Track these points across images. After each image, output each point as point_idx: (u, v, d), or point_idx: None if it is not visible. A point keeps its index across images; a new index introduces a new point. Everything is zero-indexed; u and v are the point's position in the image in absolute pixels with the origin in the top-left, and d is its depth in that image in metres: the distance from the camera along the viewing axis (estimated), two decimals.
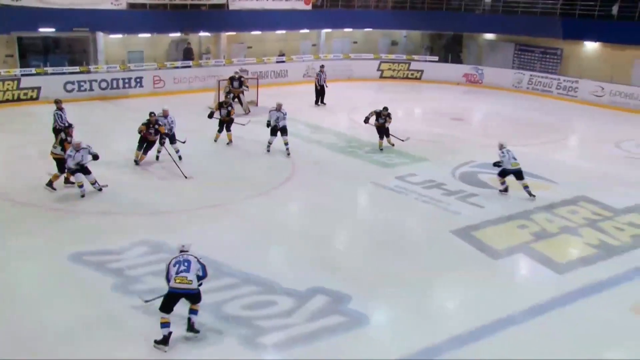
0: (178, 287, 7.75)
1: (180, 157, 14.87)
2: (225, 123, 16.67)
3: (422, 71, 28.82)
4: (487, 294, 9.32)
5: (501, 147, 13.57)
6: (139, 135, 14.50)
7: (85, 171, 12.55)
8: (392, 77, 28.74)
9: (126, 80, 22.63)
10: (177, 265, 7.84)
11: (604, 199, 13.27)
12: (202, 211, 12.17)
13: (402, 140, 16.70)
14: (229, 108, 16.75)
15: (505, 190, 13.59)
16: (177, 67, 24.15)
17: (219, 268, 9.61)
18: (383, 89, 26.64)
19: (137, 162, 14.70)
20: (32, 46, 23.06)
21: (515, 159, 13.32)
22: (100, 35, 23.01)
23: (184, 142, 15.09)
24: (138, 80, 22.83)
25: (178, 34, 25.09)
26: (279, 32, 27.77)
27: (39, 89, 20.93)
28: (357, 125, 18.48)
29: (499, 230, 11.61)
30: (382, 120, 16.39)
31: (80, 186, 12.46)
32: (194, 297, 7.90)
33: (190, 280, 7.76)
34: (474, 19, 28.74)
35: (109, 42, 23.54)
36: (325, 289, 9.10)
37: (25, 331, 8.00)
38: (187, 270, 7.79)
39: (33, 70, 21.39)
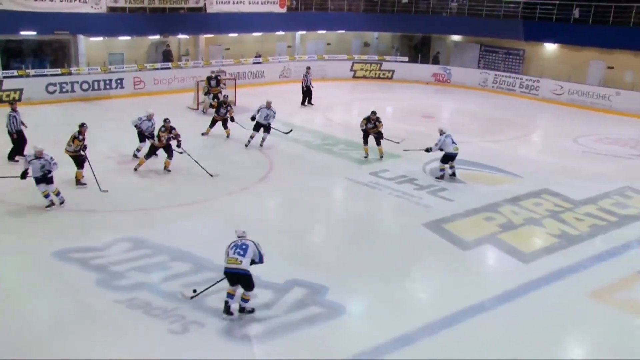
0: (228, 267, 8.03)
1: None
2: (222, 121, 17.00)
3: (393, 71, 28.91)
4: (458, 283, 9.39)
5: (441, 132, 14.04)
6: (122, 135, 14.18)
7: (48, 180, 11.41)
8: (364, 77, 28.79)
9: (107, 82, 22.29)
10: (234, 249, 8.09)
11: (565, 192, 13.46)
12: (182, 208, 12.04)
13: (397, 143, 16.00)
14: (228, 108, 17.07)
15: (442, 177, 14.01)
16: (157, 69, 23.86)
17: (200, 263, 9.54)
18: (356, 89, 26.68)
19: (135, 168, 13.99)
20: (14, 49, 22.57)
21: (455, 143, 13.84)
22: (81, 38, 22.66)
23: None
24: (119, 81, 22.51)
25: (157, 37, 24.82)
26: (255, 34, 27.63)
27: (21, 90, 20.47)
28: (332, 123, 18.48)
29: (468, 223, 11.69)
30: (371, 125, 15.26)
31: (46, 196, 11.48)
32: (246, 279, 8.03)
33: (240, 261, 7.95)
34: (441, 22, 28.91)
35: (90, 44, 23.19)
36: (303, 281, 9.08)
37: (9, 326, 7.85)
38: (243, 255, 7.99)
39: (15, 73, 20.93)
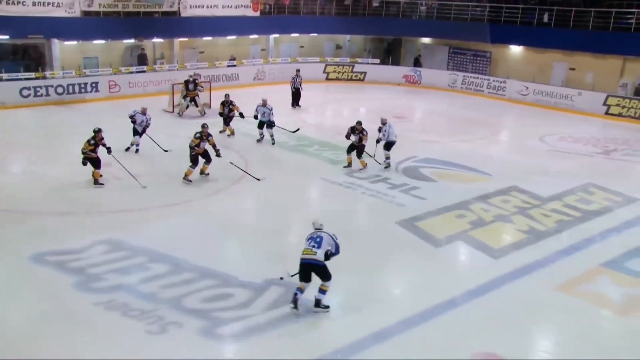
0: (304, 258, 8.21)
1: (137, 150, 15.21)
2: (228, 118, 17.61)
3: (365, 73, 29.00)
4: (431, 279, 9.45)
5: (384, 122, 14.80)
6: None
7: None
8: (337, 79, 28.81)
9: (82, 85, 21.89)
10: (310, 241, 8.30)
11: (532, 189, 13.66)
12: (160, 209, 11.91)
13: (380, 164, 15.02)
14: (230, 106, 17.44)
15: (389, 165, 14.76)
16: (132, 72, 23.51)
17: (178, 264, 9.44)
18: (329, 90, 26.71)
19: (188, 180, 13.43)
20: None
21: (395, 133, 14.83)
22: (55, 42, 22.22)
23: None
24: (94, 85, 22.13)
25: (132, 40, 24.47)
26: (229, 37, 27.47)
27: None
28: (306, 125, 18.46)
29: (440, 220, 11.78)
30: (356, 138, 14.52)
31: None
32: (321, 270, 8.19)
33: (315, 252, 8.13)
34: (411, 25, 29.10)
35: (64, 48, 22.75)
36: (280, 280, 9.04)
37: None
38: (319, 246, 8.17)
39: None
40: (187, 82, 20.12)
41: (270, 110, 16.54)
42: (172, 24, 24.98)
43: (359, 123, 14.67)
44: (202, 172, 13.69)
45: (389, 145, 14.83)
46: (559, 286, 9.31)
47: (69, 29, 22.10)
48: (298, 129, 17.25)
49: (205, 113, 20.15)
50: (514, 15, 25.73)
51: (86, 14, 22.54)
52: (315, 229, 8.53)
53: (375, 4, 29.60)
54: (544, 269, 9.95)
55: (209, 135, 13.38)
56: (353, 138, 14.67)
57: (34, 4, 21.17)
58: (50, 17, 21.53)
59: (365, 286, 9.15)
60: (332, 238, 8.36)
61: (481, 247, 10.64)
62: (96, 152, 13.02)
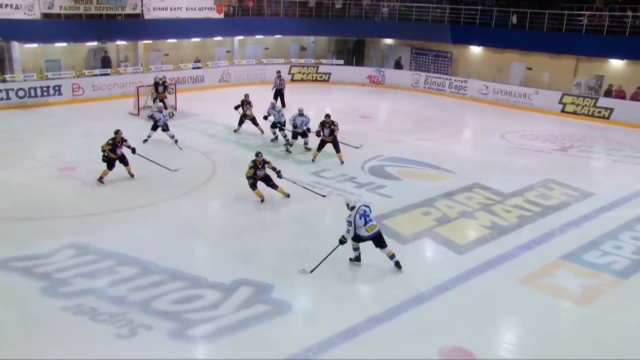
0: (369, 234, 9.29)
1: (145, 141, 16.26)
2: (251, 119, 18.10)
3: (329, 74, 29.09)
4: (398, 276, 9.51)
5: (301, 113, 16.08)
6: (62, 142, 13.70)
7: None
8: (302, 80, 28.82)
9: (44, 89, 21.36)
10: (363, 218, 9.24)
11: (494, 185, 13.92)
12: (126, 213, 11.73)
13: (356, 148, 15.94)
14: (247, 105, 17.98)
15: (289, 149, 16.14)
16: (95, 75, 23.04)
17: (147, 266, 9.32)
18: (294, 91, 26.61)
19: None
20: None
21: (306, 123, 15.96)
22: (14, 45, 21.64)
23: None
24: (57, 88, 21.61)
25: (95, 43, 23.96)
26: (193, 39, 27.19)
27: None
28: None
29: (406, 218, 11.90)
30: (327, 132, 14.88)
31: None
32: (379, 238, 9.39)
33: (376, 225, 9.35)
34: (373, 26, 29.32)
35: (24, 51, 22.17)
36: (249, 280, 9.02)
37: None
38: (372, 220, 9.33)
39: None
40: (156, 84, 19.83)
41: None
42: (136, 26, 24.56)
43: (328, 116, 15.03)
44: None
45: (296, 135, 16.08)
46: (521, 280, 9.50)
47: (29, 31, 21.51)
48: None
49: (174, 115, 19.90)
50: (473, 17, 26.22)
51: (47, 16, 21.99)
52: (351, 207, 9.37)
53: (338, 6, 29.73)
54: (506, 263, 10.13)
55: (265, 162, 12.37)
56: (325, 133, 14.88)
57: None
58: (9, 19, 20.92)
59: (332, 285, 9.18)
60: (369, 208, 9.51)
61: (446, 243, 10.79)
62: (116, 153, 13.11)
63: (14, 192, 12.55)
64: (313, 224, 11.73)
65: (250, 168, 12.30)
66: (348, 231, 9.30)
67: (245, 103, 18.12)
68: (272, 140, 17.44)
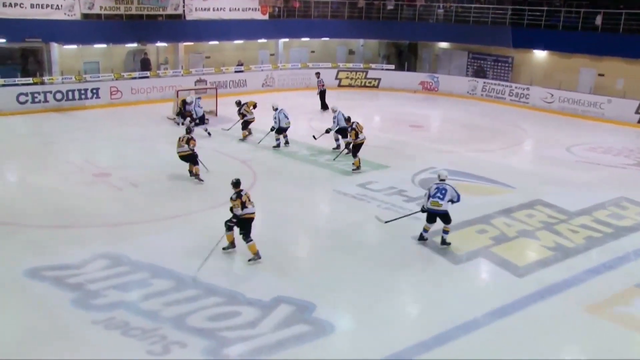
0: (431, 208, 10.81)
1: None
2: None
3: (379, 79, 29.06)
4: (449, 299, 9.35)
5: (275, 108, 17.28)
6: (96, 147, 14.02)
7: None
8: (350, 86, 28.89)
9: (82, 92, 22.09)
10: (436, 191, 10.77)
11: (559, 202, 13.55)
12: (161, 222, 11.92)
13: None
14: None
15: (278, 146, 17.44)
16: (134, 78, 23.71)
17: (182, 280, 9.43)
18: (341, 97, 26.64)
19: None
20: None
21: (287, 118, 17.35)
22: (54, 46, 22.45)
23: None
24: (95, 91, 22.33)
25: (135, 45, 24.67)
26: (236, 41, 27.62)
27: None
28: (317, 134, 18.42)
29: (460, 235, 11.68)
30: (356, 128, 15.44)
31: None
32: (444, 216, 10.86)
33: (441, 204, 10.72)
34: (427, 28, 29.17)
35: (63, 52, 23.00)
36: (289, 297, 9.01)
37: None
38: (442, 198, 10.69)
39: None
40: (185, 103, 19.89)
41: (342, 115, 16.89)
42: (177, 28, 25.16)
43: (349, 119, 15.85)
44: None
45: (280, 130, 17.37)
46: (589, 308, 9.19)
47: (69, 32, 22.34)
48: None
49: (208, 121, 20.15)
50: (537, 18, 25.70)
51: (86, 16, 22.78)
52: (440, 180, 10.83)
53: (390, 7, 29.70)
54: (572, 288, 9.82)
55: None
56: (360, 136, 15.48)
57: (32, 6, 21.42)
58: (48, 20, 21.77)
59: (378, 305, 9.08)
60: (454, 190, 10.78)
61: (504, 264, 10.54)
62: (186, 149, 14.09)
63: (47, 198, 12.94)
64: (358, 238, 11.66)
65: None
66: (425, 200, 10.94)
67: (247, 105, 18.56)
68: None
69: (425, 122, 23.11)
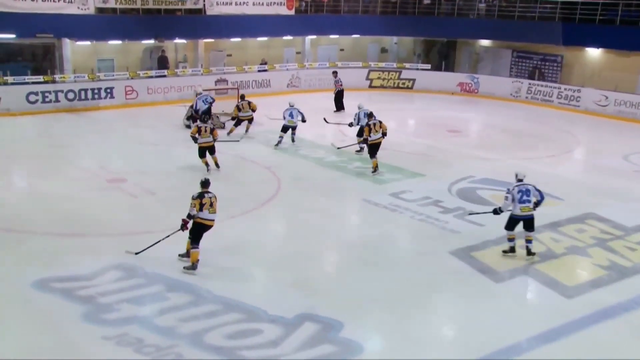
0: (521, 215, 10.87)
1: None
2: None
3: (414, 80, 29.03)
4: (489, 320, 9.28)
5: (291, 104, 18.23)
6: (110, 150, 14.26)
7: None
8: (381, 87, 28.94)
9: (95, 91, 22.48)
10: (521, 194, 10.79)
11: (614, 217, 13.35)
12: (178, 232, 12.00)
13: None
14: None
15: (279, 144, 18.00)
16: (151, 77, 24.05)
17: (199, 294, 9.52)
18: (372, 99, 26.63)
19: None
20: None
21: (292, 117, 18.06)
22: (66, 42, 22.89)
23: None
24: (109, 90, 22.70)
25: (151, 41, 25.01)
26: (260, 38, 27.83)
27: None
28: (347, 139, 18.50)
29: (501, 251, 11.60)
30: (371, 126, 15.79)
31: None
32: (530, 222, 10.94)
33: (531, 208, 10.86)
34: (468, 25, 29.13)
35: (76, 49, 23.42)
36: (314, 315, 9.03)
37: None
38: (529, 200, 10.80)
39: None
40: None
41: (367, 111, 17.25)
42: (197, 24, 25.46)
43: (370, 115, 16.31)
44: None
45: (285, 128, 18.06)
46: None
47: (82, 27, 22.73)
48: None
49: (224, 126, 20.31)
50: (592, 13, 25.39)
51: (101, 11, 23.20)
52: (519, 180, 10.90)
53: (426, 1, 29.69)
54: (629, 313, 9.66)
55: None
56: (368, 126, 15.89)
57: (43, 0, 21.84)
58: (61, 14, 22.21)
59: (411, 326, 9.05)
60: (535, 188, 10.89)
61: (551, 283, 10.42)
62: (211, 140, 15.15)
63: (57, 205, 13.16)
64: (390, 252, 11.64)
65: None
66: (505, 204, 10.93)
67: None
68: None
69: (464, 126, 23.00)
